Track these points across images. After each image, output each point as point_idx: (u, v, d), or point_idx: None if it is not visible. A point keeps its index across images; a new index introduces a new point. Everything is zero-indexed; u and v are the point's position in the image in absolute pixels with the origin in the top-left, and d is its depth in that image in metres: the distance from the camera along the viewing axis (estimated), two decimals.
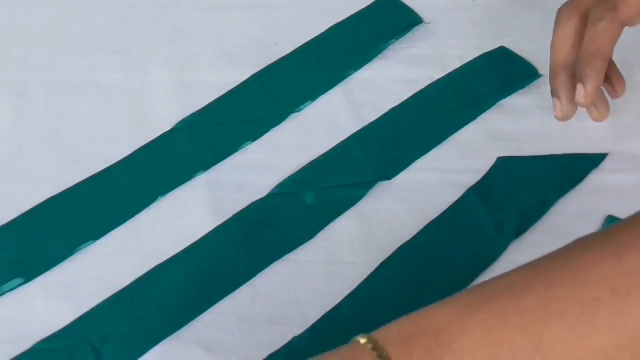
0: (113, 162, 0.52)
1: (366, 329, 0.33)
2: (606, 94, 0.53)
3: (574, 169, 0.51)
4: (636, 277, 0.31)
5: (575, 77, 0.50)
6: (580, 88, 0.48)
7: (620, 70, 0.53)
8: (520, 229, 0.48)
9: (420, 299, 0.36)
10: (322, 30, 0.60)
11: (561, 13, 0.50)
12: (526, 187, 0.50)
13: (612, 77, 0.52)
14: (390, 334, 0.33)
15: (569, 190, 0.50)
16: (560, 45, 0.50)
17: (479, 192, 0.50)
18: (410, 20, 0.60)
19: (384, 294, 0.46)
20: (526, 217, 0.49)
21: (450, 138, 0.54)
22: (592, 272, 0.32)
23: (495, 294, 0.33)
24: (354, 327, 0.34)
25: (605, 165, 0.52)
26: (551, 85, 0.51)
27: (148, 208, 0.50)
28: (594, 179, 0.51)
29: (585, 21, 0.49)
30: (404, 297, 0.46)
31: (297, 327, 0.45)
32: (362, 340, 0.33)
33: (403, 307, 0.35)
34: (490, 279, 0.35)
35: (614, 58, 0.52)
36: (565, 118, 0.51)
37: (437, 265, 0.47)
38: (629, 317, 0.31)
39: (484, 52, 0.58)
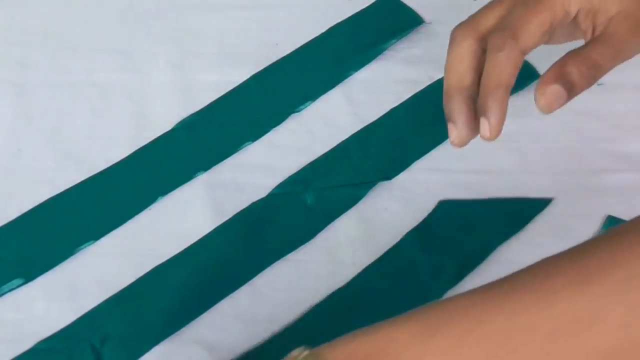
0: (113, 162, 0.52)
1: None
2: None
3: (517, 214, 0.50)
4: (600, 306, 0.30)
5: (470, 99, 0.44)
6: (484, 122, 0.43)
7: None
8: (459, 275, 0.47)
9: None
10: (322, 30, 0.60)
11: (456, 32, 0.46)
12: (467, 231, 0.49)
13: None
14: (337, 353, 0.31)
15: (511, 236, 0.48)
16: (455, 67, 0.45)
17: (418, 235, 0.49)
18: (410, 20, 0.60)
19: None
20: (465, 263, 0.47)
21: None
22: (556, 299, 0.31)
23: (456, 316, 0.31)
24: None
25: (605, 165, 0.52)
26: (445, 108, 0.45)
27: (148, 208, 0.50)
28: (594, 179, 0.51)
29: (481, 44, 0.45)
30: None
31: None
32: (304, 356, 0.31)
33: None
34: (451, 297, 0.33)
35: None
36: (461, 144, 0.44)
37: (371, 311, 0.46)
38: (588, 348, 0.30)
39: None
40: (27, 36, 0.60)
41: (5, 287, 0.46)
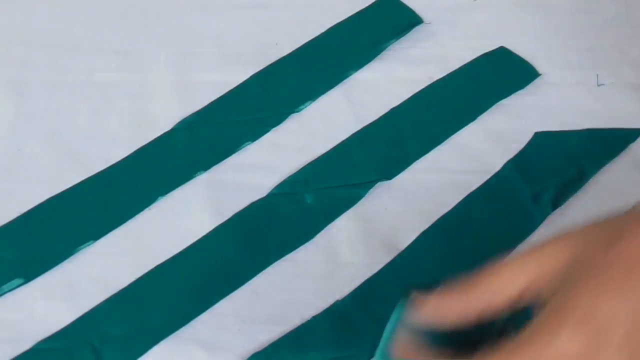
0: (113, 162, 0.52)
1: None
2: None
3: (611, 142, 0.52)
4: None
5: None
6: None
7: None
8: (557, 201, 0.49)
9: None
10: (322, 30, 0.60)
11: None
12: (564, 159, 0.51)
13: None
14: None
15: (606, 163, 0.51)
16: None
17: (517, 165, 0.51)
18: (410, 20, 0.60)
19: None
20: (564, 190, 0.50)
21: (450, 138, 0.54)
22: None
23: None
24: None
25: (605, 165, 0.52)
26: None
27: (148, 208, 0.50)
28: (595, 178, 0.51)
29: None
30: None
31: (296, 327, 0.45)
32: None
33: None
34: None
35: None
36: None
37: (477, 236, 0.48)
38: None
39: (484, 52, 0.58)
40: (27, 36, 0.60)
41: (5, 287, 0.46)
